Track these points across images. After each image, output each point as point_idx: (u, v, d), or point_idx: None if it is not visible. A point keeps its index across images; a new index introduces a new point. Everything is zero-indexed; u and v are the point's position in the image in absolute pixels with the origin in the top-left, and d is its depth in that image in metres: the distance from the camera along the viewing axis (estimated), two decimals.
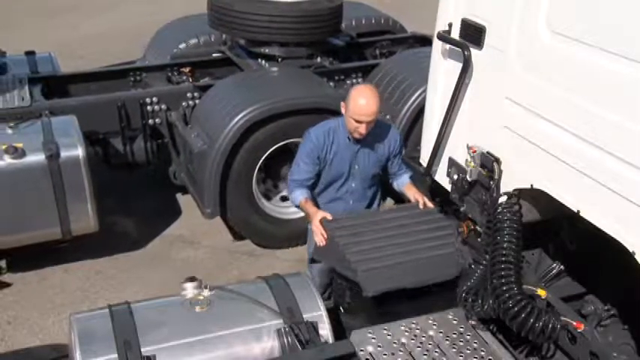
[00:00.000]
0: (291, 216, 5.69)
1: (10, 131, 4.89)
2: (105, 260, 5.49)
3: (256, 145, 5.31)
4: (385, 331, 3.15)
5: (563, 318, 2.94)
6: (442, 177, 3.56)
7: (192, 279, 3.23)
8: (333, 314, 3.11)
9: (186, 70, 6.50)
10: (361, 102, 3.63)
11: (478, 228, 3.35)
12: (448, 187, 3.49)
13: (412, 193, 4.00)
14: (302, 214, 5.69)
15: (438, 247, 3.58)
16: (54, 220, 4.91)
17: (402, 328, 3.18)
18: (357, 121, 3.66)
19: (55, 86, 6.07)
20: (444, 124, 3.38)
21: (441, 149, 3.50)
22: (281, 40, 6.03)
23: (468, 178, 3.24)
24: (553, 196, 2.81)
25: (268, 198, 5.78)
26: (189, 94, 5.86)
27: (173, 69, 6.50)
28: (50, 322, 4.80)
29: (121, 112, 5.64)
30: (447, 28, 3.34)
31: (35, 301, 5.00)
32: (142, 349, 2.86)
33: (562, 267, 3.46)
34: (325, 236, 3.60)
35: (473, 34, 3.15)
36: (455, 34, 3.29)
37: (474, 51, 3.16)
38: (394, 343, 3.07)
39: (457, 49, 3.24)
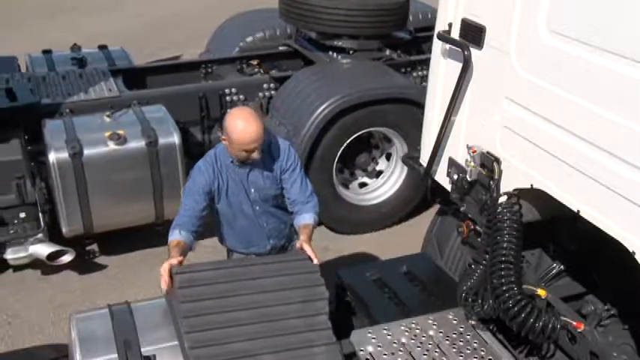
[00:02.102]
0: (366, 203, 5.96)
1: (108, 120, 5.13)
2: (105, 260, 5.49)
3: (338, 133, 5.50)
4: (385, 331, 3.14)
5: (563, 318, 2.93)
6: (442, 177, 3.56)
7: None
8: (332, 314, 3.09)
9: (255, 62, 6.70)
10: (245, 130, 3.20)
11: (478, 228, 3.35)
12: (448, 187, 3.48)
13: (301, 239, 3.25)
14: (376, 201, 5.99)
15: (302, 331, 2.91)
16: (149, 205, 5.12)
17: (402, 328, 3.17)
18: (247, 150, 3.27)
19: (132, 78, 6.24)
20: (444, 124, 3.38)
21: (441, 149, 3.50)
22: (354, 32, 6.20)
23: (468, 178, 3.24)
24: (553, 196, 2.81)
25: (345, 186, 5.96)
26: (265, 85, 6.10)
27: (242, 61, 6.73)
28: (50, 322, 4.80)
29: (202, 103, 5.85)
30: (447, 28, 3.34)
31: (35, 301, 5.00)
32: (142, 349, 2.86)
33: (562, 267, 3.47)
34: (168, 285, 2.95)
35: (473, 34, 3.15)
36: (455, 34, 3.29)
37: (474, 51, 3.16)
38: (394, 343, 3.07)
39: (457, 49, 3.24)
